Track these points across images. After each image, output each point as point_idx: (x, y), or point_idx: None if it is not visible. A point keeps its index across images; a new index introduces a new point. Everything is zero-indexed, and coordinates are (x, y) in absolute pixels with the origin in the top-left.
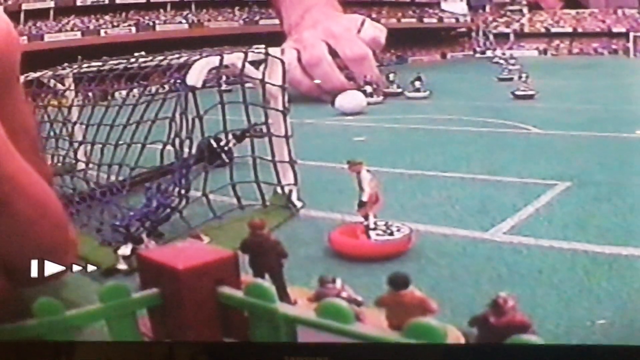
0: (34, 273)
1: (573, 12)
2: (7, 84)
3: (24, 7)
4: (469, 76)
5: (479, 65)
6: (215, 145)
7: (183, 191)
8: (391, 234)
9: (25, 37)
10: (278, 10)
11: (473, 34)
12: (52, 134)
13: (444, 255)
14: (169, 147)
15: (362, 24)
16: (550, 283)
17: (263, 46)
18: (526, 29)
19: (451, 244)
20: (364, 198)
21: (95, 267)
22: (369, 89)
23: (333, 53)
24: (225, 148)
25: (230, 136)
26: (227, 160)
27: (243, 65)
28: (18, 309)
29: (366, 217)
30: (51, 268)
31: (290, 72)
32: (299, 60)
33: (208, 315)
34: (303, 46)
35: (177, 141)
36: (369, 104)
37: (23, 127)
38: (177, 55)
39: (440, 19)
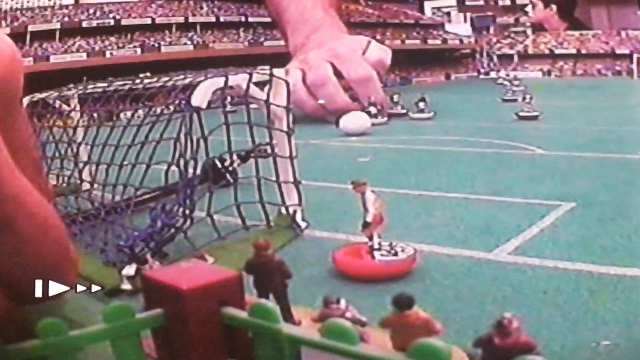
0: (36, 292)
1: (577, 33)
2: (11, 105)
3: (30, 28)
4: (473, 97)
5: (483, 86)
6: (220, 165)
7: (187, 211)
8: (395, 254)
9: (31, 58)
10: (283, 32)
11: (477, 56)
12: (57, 154)
13: (449, 276)
14: (173, 167)
15: (368, 45)
16: (555, 304)
17: (268, 67)
18: (530, 51)
19: (456, 265)
20: (369, 218)
21: (99, 287)
22: (373, 109)
23: (338, 74)
24: (230, 168)
25: (235, 156)
26: (231, 181)
27: (248, 86)
28: (20, 330)
29: (370, 238)
30: (52, 287)
31: (296, 92)
32: (304, 80)
33: (212, 336)
34: (309, 67)
35: (181, 162)
36: (373, 124)
37: (25, 147)
38: (182, 76)
39: (445, 41)
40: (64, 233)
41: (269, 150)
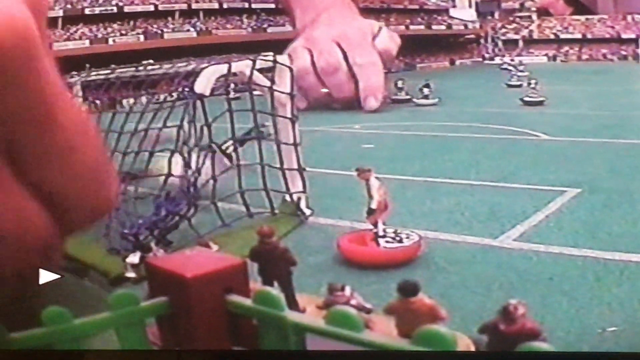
0: (83, 215)
1: (582, 18)
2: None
3: None
4: (478, 83)
5: (487, 71)
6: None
7: (191, 199)
8: (400, 241)
9: None
10: (291, 11)
11: (482, 41)
12: None
13: (454, 262)
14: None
15: (379, 32)
16: (561, 290)
17: (271, 54)
18: (535, 36)
19: (461, 251)
20: (373, 205)
21: (104, 275)
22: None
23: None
24: (228, 151)
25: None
26: (229, 164)
27: (251, 73)
28: (59, 263)
29: (375, 225)
30: (98, 208)
31: (305, 78)
32: (313, 64)
33: (217, 324)
34: (319, 50)
35: (185, 149)
36: None
37: None
38: (185, 63)
39: (449, 26)
40: (111, 160)
41: (269, 131)
